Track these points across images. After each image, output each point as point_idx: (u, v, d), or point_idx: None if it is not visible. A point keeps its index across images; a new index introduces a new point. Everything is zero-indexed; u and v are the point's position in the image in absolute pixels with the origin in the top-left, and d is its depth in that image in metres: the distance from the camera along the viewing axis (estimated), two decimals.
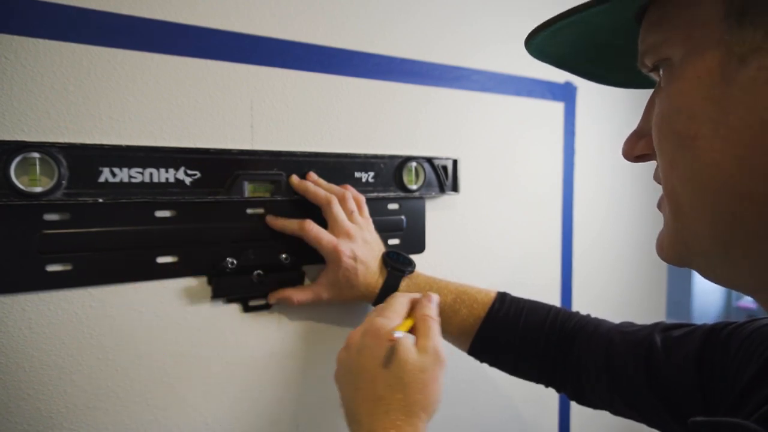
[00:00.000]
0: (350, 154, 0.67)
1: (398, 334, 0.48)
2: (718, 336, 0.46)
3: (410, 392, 0.45)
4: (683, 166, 0.29)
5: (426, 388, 0.46)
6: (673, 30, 0.29)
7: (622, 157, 0.37)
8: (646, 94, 0.36)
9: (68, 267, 0.51)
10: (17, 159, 0.47)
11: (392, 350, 0.48)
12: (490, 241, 0.83)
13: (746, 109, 0.26)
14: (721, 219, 0.28)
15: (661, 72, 0.32)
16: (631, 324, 0.57)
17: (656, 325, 0.53)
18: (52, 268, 0.50)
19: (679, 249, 0.32)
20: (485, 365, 0.65)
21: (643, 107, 0.35)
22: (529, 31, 0.37)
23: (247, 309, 0.62)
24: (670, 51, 0.30)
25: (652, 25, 0.31)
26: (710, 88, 0.27)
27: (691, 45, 0.28)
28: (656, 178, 0.34)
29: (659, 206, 0.35)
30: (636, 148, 0.35)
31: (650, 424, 0.52)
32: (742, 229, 0.27)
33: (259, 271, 0.61)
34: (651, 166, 0.35)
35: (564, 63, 0.41)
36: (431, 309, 0.54)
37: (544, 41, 0.37)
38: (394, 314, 0.52)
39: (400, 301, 0.54)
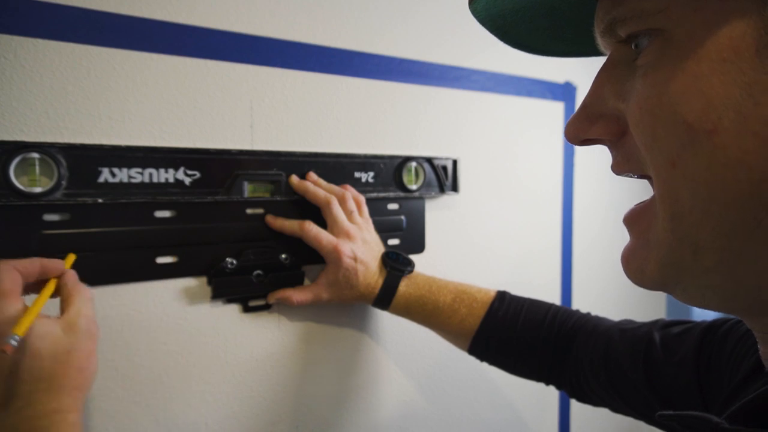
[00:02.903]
0: (350, 154, 0.67)
1: (13, 342, 0.37)
2: (716, 333, 0.46)
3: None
4: (693, 165, 0.24)
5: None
6: None
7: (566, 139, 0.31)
8: None
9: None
10: (17, 159, 0.47)
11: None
12: (490, 241, 0.83)
13: None
14: (740, 230, 0.23)
15: (636, 45, 0.27)
16: (630, 321, 0.57)
17: (655, 322, 0.53)
18: None
19: (669, 271, 0.27)
20: (485, 364, 0.65)
21: None
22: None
23: (246, 309, 0.62)
24: (669, 22, 0.25)
25: None
26: (738, 72, 0.22)
27: (706, 16, 0.23)
28: (620, 170, 0.30)
29: (629, 221, 0.30)
30: (589, 132, 0.30)
31: (649, 422, 0.52)
32: (763, 240, 0.23)
33: (258, 272, 0.61)
34: None
35: (504, 26, 0.35)
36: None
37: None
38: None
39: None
